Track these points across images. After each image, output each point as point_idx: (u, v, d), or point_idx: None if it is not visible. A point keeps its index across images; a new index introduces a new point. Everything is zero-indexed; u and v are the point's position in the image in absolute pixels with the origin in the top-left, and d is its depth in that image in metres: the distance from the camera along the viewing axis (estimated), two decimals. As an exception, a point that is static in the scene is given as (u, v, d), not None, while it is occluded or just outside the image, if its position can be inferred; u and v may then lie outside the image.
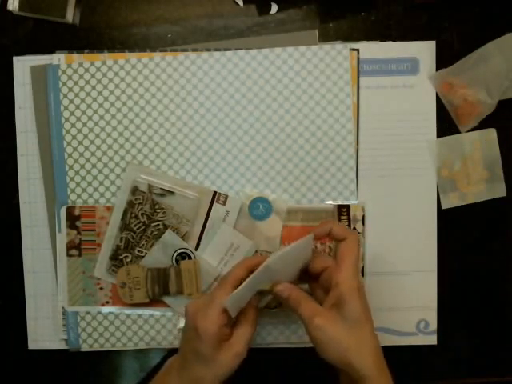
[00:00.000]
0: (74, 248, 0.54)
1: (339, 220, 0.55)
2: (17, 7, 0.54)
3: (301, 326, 0.55)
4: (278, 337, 0.56)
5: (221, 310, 0.44)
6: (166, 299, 0.54)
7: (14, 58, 0.55)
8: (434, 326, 0.56)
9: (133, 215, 0.54)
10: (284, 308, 0.54)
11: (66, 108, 0.55)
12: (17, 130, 0.55)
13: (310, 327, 0.43)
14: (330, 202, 0.55)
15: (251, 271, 0.45)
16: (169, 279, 0.53)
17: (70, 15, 0.55)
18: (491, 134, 0.56)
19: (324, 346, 0.43)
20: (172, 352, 0.57)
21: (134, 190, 0.54)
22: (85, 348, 0.55)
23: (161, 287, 0.53)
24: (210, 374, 0.44)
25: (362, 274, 0.55)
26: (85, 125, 0.55)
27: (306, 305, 0.44)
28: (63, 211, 0.54)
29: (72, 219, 0.54)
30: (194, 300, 0.47)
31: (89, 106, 0.55)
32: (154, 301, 0.54)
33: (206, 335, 0.44)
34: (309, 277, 0.49)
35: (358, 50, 0.55)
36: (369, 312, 0.45)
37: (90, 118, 0.55)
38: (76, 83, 0.55)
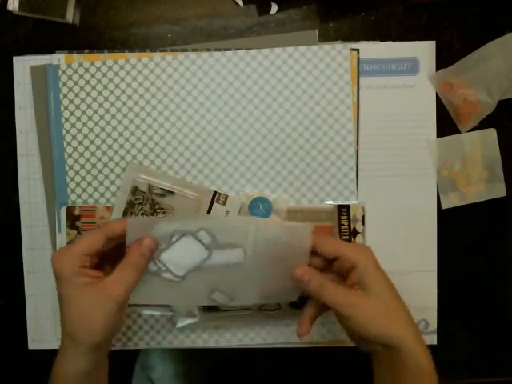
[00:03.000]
0: (74, 248, 0.54)
1: (339, 220, 0.55)
2: (17, 7, 0.54)
3: (301, 326, 0.55)
4: (278, 337, 0.56)
5: (80, 252, 0.42)
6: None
7: (14, 58, 0.55)
8: (433, 326, 0.56)
9: (133, 215, 0.54)
10: (283, 310, 0.54)
11: (66, 108, 0.55)
12: (17, 130, 0.55)
13: (343, 307, 0.43)
14: (330, 201, 0.55)
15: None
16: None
17: (70, 15, 0.55)
18: (491, 133, 0.56)
19: (361, 323, 0.43)
20: (172, 352, 0.57)
21: (134, 190, 0.54)
22: (85, 348, 0.55)
23: None
24: (79, 320, 0.42)
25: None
26: (85, 125, 0.55)
27: (331, 287, 0.44)
28: (63, 211, 0.54)
29: (72, 219, 0.54)
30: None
31: (89, 106, 0.55)
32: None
33: (65, 274, 0.42)
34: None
35: (358, 50, 0.55)
36: (389, 282, 0.45)
37: (90, 118, 0.55)
38: (76, 83, 0.55)
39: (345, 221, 0.55)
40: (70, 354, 0.43)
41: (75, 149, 0.55)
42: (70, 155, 0.55)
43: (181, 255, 0.45)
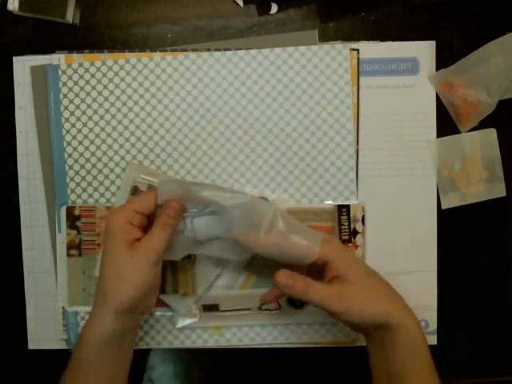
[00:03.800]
0: (74, 248, 0.54)
1: (339, 220, 0.55)
2: (17, 7, 0.54)
3: (300, 327, 0.55)
4: (278, 337, 0.56)
5: (133, 208, 0.45)
6: (165, 298, 0.54)
7: (14, 58, 0.55)
8: (433, 325, 0.56)
9: (133, 215, 0.54)
10: (283, 309, 0.54)
11: (66, 108, 0.55)
12: (17, 130, 0.55)
13: (333, 304, 0.43)
14: (330, 201, 0.55)
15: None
16: (165, 278, 0.53)
17: (70, 15, 0.55)
18: (491, 133, 0.56)
19: (355, 315, 0.43)
20: (172, 352, 0.57)
21: (134, 190, 0.54)
22: (85, 348, 0.55)
23: None
24: (110, 277, 0.44)
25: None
26: (85, 125, 0.55)
27: (317, 287, 0.43)
28: (63, 211, 0.54)
29: (72, 219, 0.54)
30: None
31: (89, 106, 0.55)
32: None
33: (113, 229, 0.44)
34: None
35: (358, 50, 0.55)
36: (364, 264, 0.47)
37: (90, 118, 0.55)
38: (76, 83, 0.55)
39: (345, 221, 0.55)
40: (98, 314, 0.44)
41: (75, 149, 0.55)
42: (70, 155, 0.55)
43: (210, 225, 0.47)
